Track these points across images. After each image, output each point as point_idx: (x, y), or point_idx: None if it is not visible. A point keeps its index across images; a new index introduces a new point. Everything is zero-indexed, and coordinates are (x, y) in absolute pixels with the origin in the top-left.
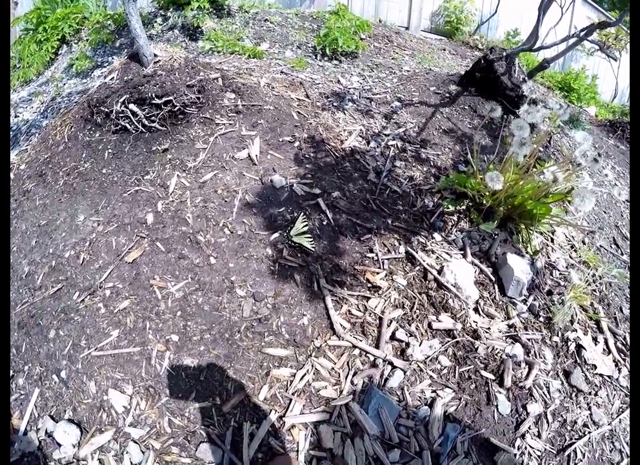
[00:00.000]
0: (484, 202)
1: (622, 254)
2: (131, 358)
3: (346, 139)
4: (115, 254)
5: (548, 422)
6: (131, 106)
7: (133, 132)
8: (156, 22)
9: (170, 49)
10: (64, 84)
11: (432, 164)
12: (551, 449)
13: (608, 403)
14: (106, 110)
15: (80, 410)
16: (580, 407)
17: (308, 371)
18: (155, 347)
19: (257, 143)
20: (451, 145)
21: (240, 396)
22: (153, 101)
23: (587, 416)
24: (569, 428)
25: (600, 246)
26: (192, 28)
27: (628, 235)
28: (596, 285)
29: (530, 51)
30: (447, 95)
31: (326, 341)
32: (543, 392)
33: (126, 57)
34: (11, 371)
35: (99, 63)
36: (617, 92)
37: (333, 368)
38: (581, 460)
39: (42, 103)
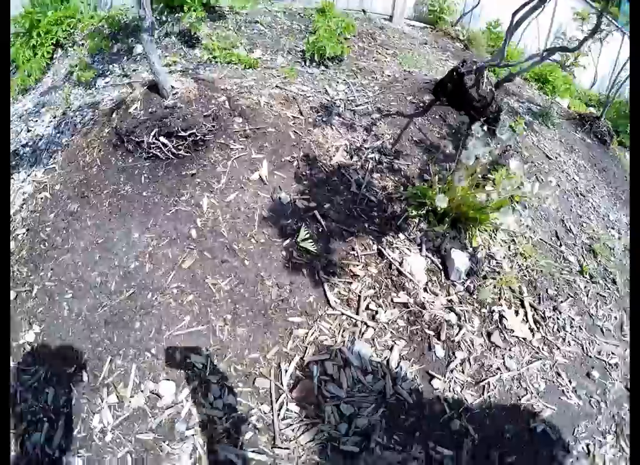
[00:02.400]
0: (439, 209)
1: (560, 246)
2: (201, 333)
3: (334, 155)
4: (172, 262)
5: (470, 363)
6: (162, 138)
7: (164, 159)
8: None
9: (183, 79)
10: (70, 94)
11: (402, 174)
12: (471, 381)
13: (520, 356)
14: (137, 139)
15: (171, 372)
16: (496, 357)
17: (315, 330)
18: (217, 324)
19: (265, 165)
20: (420, 155)
21: (276, 348)
22: (180, 134)
23: (501, 363)
24: (486, 369)
25: (540, 239)
26: (188, 34)
27: (572, 228)
28: (527, 272)
29: (497, 67)
30: (421, 104)
31: (325, 312)
32: (468, 345)
33: (145, 88)
34: (109, 356)
35: (100, 72)
36: (596, 80)
37: (330, 327)
38: (492, 391)
39: (54, 117)
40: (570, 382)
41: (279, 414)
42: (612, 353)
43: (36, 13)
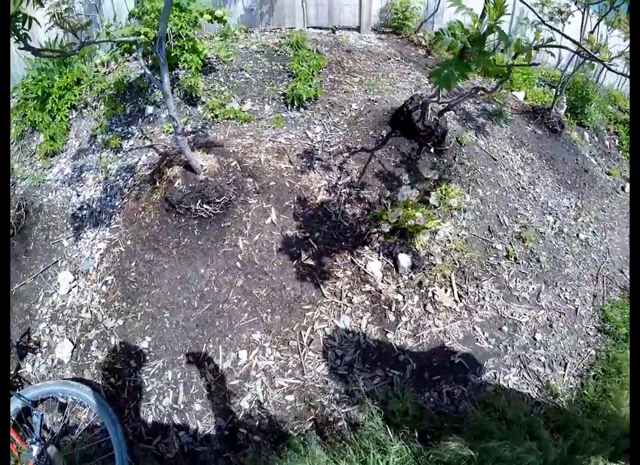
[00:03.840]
0: (388, 223)
1: (491, 238)
2: (255, 322)
3: (317, 195)
4: (230, 284)
5: (411, 324)
6: (205, 205)
7: (207, 217)
8: (155, 91)
9: (207, 156)
10: (100, 157)
11: (366, 201)
12: (411, 334)
13: (446, 318)
14: (186, 207)
15: (243, 345)
16: (428, 319)
17: (318, 311)
18: (263, 315)
19: (273, 212)
20: (379, 184)
21: (298, 324)
22: (216, 201)
23: (432, 323)
24: (421, 327)
25: (474, 234)
26: (189, 93)
27: (505, 221)
28: (458, 261)
29: (436, 102)
30: (380, 138)
31: (322, 300)
32: (410, 313)
33: (181, 167)
34: (204, 344)
35: (122, 135)
36: (560, 59)
37: (326, 309)
38: (425, 339)
39: (99, 182)
40: (483, 333)
41: (304, 358)
42: (524, 314)
43: (45, 79)
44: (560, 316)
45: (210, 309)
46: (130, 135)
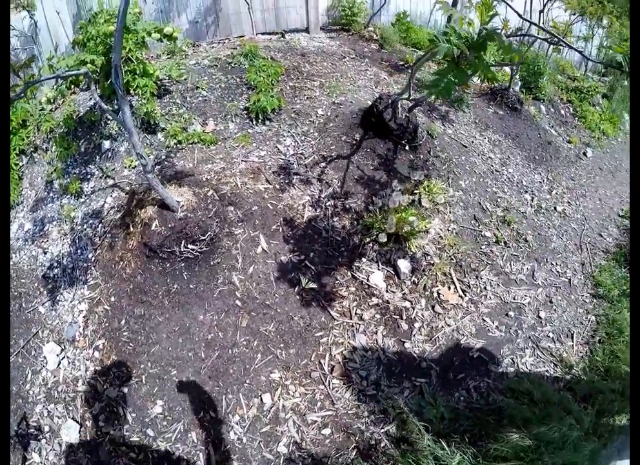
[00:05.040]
0: (384, 233)
1: (479, 226)
2: (270, 361)
3: (303, 213)
4: (234, 325)
5: (424, 329)
6: (190, 246)
7: (193, 257)
8: (109, 123)
9: (181, 190)
10: (61, 205)
11: (353, 211)
12: (427, 339)
13: (455, 316)
14: (169, 250)
15: (263, 387)
16: (440, 320)
17: (331, 336)
18: (277, 352)
19: (262, 239)
20: (362, 190)
21: (315, 353)
22: (201, 238)
23: (444, 323)
24: (435, 329)
25: (462, 227)
26: (147, 121)
27: (488, 207)
28: (453, 256)
29: (407, 100)
30: (354, 142)
31: (333, 324)
32: (421, 318)
33: (156, 206)
34: (222, 395)
35: (81, 176)
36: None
37: (339, 332)
38: (441, 341)
39: (65, 234)
40: (493, 322)
41: (330, 387)
42: (525, 295)
43: None
44: (557, 290)
45: (219, 356)
46: (89, 175)
